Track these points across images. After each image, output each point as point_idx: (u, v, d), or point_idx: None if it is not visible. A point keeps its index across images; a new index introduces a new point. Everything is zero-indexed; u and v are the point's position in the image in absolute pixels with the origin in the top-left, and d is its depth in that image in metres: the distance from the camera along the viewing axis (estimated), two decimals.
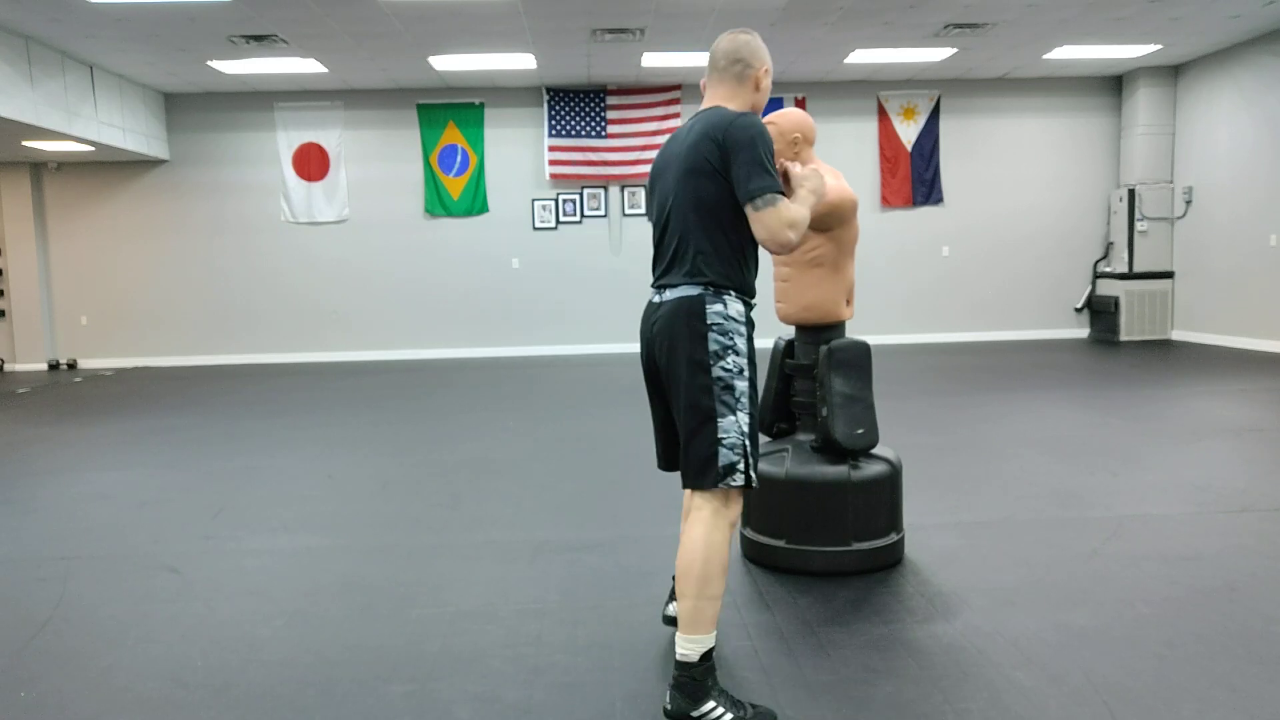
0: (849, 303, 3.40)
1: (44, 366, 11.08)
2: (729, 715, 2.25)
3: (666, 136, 10.89)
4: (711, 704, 2.25)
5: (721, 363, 2.33)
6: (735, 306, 2.38)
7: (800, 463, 3.33)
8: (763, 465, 3.36)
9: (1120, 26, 8.81)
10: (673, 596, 2.84)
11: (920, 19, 8.38)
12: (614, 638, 2.85)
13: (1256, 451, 5.07)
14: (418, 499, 4.61)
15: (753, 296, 2.47)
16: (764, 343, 4.09)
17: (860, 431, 3.28)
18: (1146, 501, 4.17)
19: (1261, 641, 2.69)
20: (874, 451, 3.41)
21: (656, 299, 2.45)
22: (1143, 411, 6.35)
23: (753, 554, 3.49)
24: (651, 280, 2.53)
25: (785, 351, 3.52)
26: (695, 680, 2.26)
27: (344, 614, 3.11)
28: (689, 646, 2.27)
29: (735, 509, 2.36)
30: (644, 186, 11.05)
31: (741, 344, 2.37)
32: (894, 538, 3.41)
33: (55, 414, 7.65)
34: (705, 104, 2.52)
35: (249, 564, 3.66)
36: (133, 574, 3.58)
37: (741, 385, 2.35)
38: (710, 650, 2.29)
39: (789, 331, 3.74)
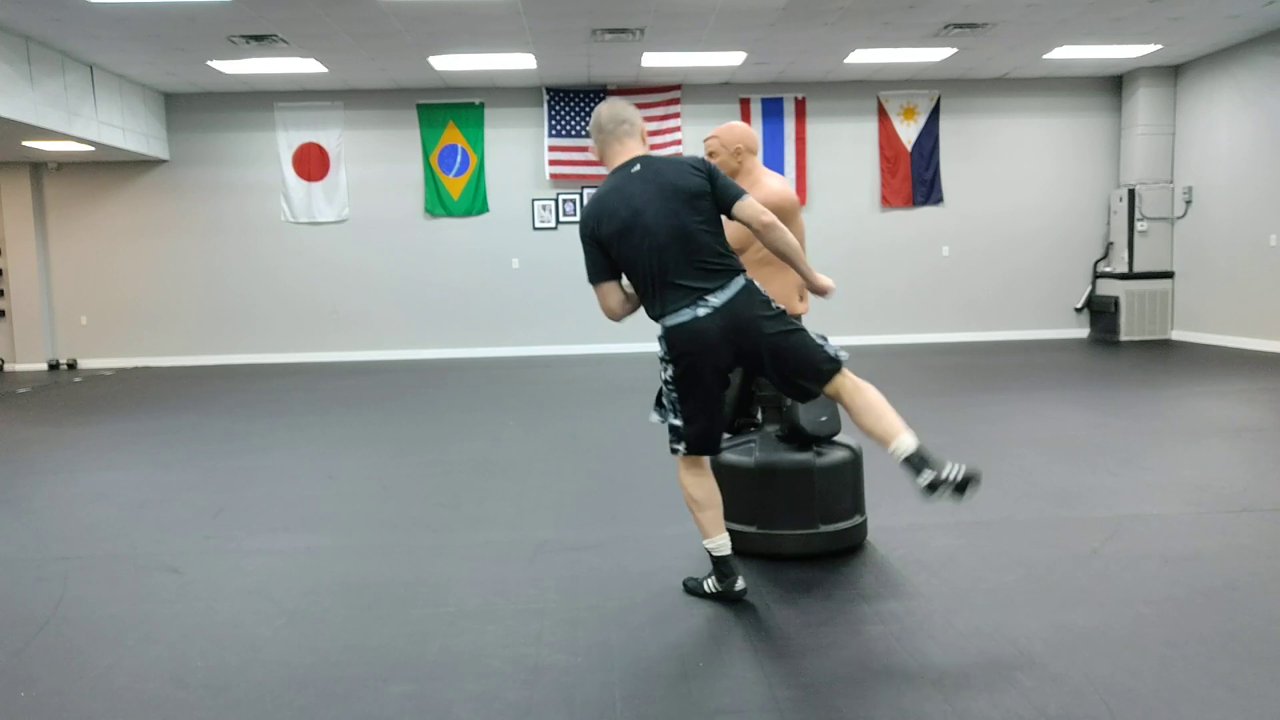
0: (803, 299, 3.59)
1: (44, 366, 11.08)
2: (960, 469, 2.73)
3: (667, 137, 10.97)
4: (938, 460, 2.77)
5: (784, 314, 2.96)
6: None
7: (768, 451, 3.48)
8: (733, 455, 3.56)
9: (1120, 26, 8.81)
10: (722, 576, 3.06)
11: (920, 19, 8.38)
12: (614, 638, 2.85)
13: (1256, 451, 5.07)
14: (418, 499, 4.61)
15: None
16: None
17: (824, 419, 3.48)
18: (1146, 501, 4.16)
19: (1261, 641, 2.69)
20: (836, 439, 3.59)
21: (702, 311, 2.86)
22: (1143, 411, 6.35)
23: None
24: (662, 310, 2.88)
25: None
26: (924, 455, 2.78)
27: (344, 614, 3.11)
28: (909, 439, 2.81)
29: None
30: None
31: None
32: (858, 520, 3.58)
33: (55, 414, 7.65)
34: (626, 156, 3.02)
35: (249, 564, 3.66)
36: (133, 574, 3.58)
37: (799, 325, 3.02)
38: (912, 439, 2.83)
39: None
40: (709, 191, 2.91)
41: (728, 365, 2.97)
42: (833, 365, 2.94)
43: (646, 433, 5.84)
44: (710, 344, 2.88)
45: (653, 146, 11.11)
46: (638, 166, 2.95)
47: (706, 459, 3.11)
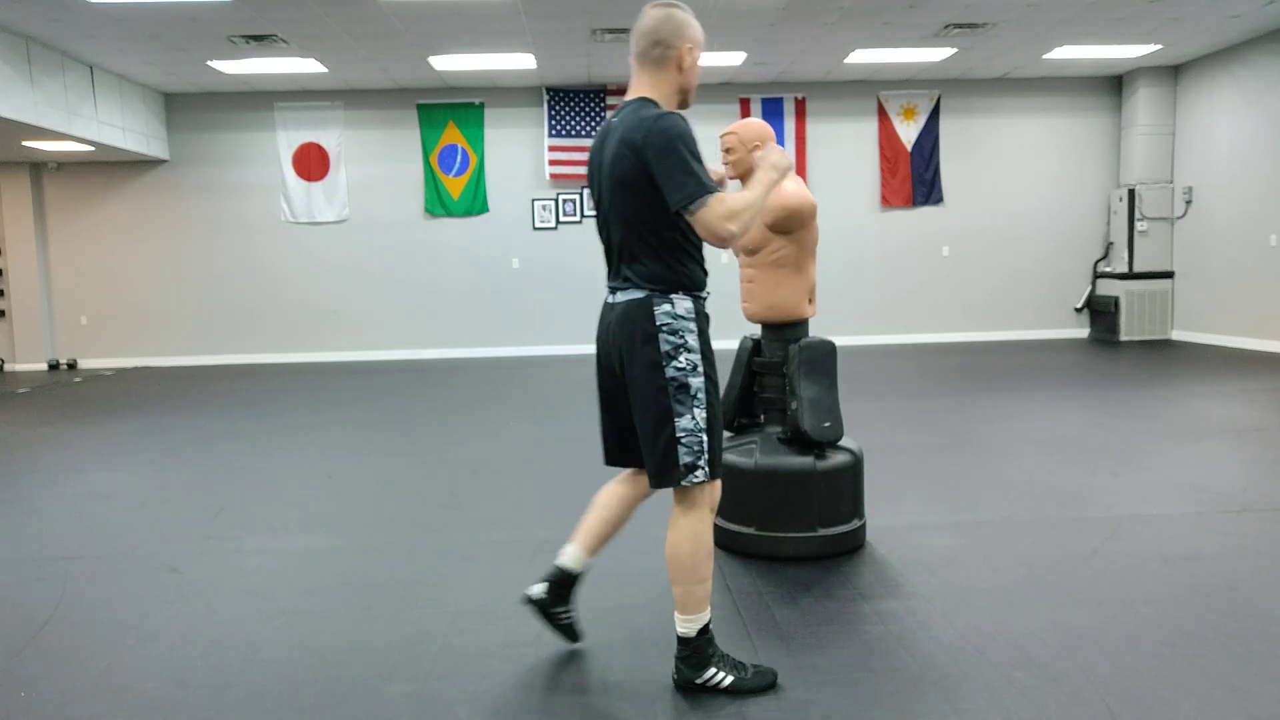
0: (811, 301, 3.55)
1: (44, 366, 11.08)
2: (730, 678, 2.44)
3: None
4: (713, 670, 2.44)
5: (674, 362, 2.35)
6: (683, 305, 2.38)
7: (769, 454, 3.48)
8: (733, 456, 3.52)
9: (1120, 26, 8.81)
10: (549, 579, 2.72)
11: (920, 19, 8.38)
12: (614, 638, 2.85)
13: (1256, 451, 5.07)
14: (418, 499, 4.61)
15: (702, 289, 2.45)
16: (730, 343, 4.09)
17: (828, 425, 3.46)
18: (1146, 501, 4.17)
19: (1261, 641, 2.69)
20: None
21: (610, 300, 2.49)
22: (1143, 411, 6.35)
23: (724, 541, 3.59)
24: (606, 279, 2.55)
25: (753, 350, 3.66)
26: (696, 652, 2.44)
27: (344, 614, 3.11)
28: (687, 625, 2.44)
29: (711, 498, 2.44)
30: None
31: (693, 341, 2.37)
32: (857, 524, 3.59)
33: (55, 414, 7.65)
34: (629, 93, 2.43)
35: (249, 564, 3.66)
36: (133, 574, 3.58)
37: (696, 382, 2.36)
38: (707, 625, 2.45)
39: (753, 329, 3.84)
40: (637, 180, 2.29)
41: (612, 376, 2.51)
42: (663, 483, 2.39)
43: None
44: (602, 337, 2.52)
45: None
46: (616, 117, 2.39)
47: (628, 470, 2.65)
